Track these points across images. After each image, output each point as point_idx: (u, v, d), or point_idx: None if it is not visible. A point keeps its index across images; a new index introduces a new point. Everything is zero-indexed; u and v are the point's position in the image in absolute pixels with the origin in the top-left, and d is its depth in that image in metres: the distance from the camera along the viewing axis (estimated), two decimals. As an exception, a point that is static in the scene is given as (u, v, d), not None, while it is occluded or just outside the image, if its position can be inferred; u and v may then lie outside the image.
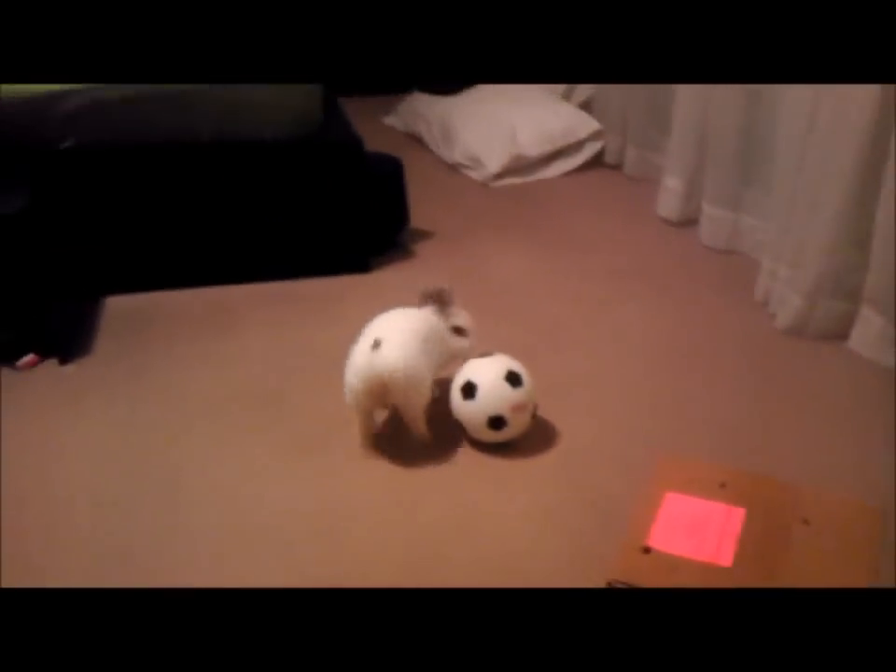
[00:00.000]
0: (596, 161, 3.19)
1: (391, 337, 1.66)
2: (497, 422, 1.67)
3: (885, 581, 1.09)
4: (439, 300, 1.81)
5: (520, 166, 3.12)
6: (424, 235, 2.67)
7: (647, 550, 1.14)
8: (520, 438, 1.74)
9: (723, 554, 1.13)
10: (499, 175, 3.09)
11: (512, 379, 1.68)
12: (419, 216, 2.67)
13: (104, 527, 1.59)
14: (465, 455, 1.74)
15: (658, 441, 1.76)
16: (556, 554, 1.49)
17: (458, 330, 1.85)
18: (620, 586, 1.09)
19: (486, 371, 1.71)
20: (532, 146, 3.12)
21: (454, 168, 3.22)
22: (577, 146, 3.19)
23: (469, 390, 1.69)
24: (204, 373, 2.04)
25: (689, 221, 2.68)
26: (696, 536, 1.16)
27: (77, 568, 1.49)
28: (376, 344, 1.64)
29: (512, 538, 1.53)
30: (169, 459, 1.76)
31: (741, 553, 1.13)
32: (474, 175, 3.13)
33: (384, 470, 1.71)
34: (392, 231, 2.61)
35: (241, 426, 1.86)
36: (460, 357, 1.81)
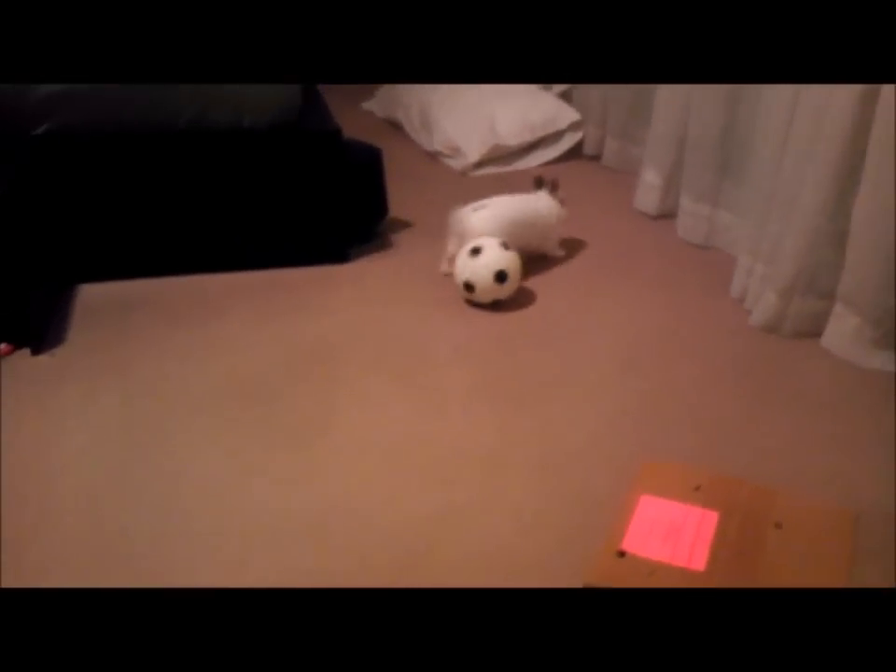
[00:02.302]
0: (576, 152, 3.19)
1: None
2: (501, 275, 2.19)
3: (861, 583, 1.11)
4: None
5: (499, 155, 3.12)
6: (402, 225, 2.67)
7: (622, 554, 1.15)
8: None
9: (697, 559, 1.14)
10: (478, 165, 3.09)
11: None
12: (398, 205, 2.66)
13: (84, 522, 1.58)
14: (451, 451, 1.75)
15: (635, 437, 1.77)
16: (538, 552, 1.50)
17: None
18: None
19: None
20: (512, 135, 3.11)
21: (432, 156, 3.21)
22: (556, 136, 3.19)
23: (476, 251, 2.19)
24: (184, 365, 2.02)
25: (666, 215, 2.69)
26: (670, 540, 1.17)
27: (62, 564, 1.48)
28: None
29: (497, 535, 1.54)
30: (151, 454, 1.75)
31: (714, 557, 1.14)
32: (453, 163, 3.12)
33: (370, 465, 1.71)
34: (371, 222, 2.60)
35: (225, 419, 1.84)
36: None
